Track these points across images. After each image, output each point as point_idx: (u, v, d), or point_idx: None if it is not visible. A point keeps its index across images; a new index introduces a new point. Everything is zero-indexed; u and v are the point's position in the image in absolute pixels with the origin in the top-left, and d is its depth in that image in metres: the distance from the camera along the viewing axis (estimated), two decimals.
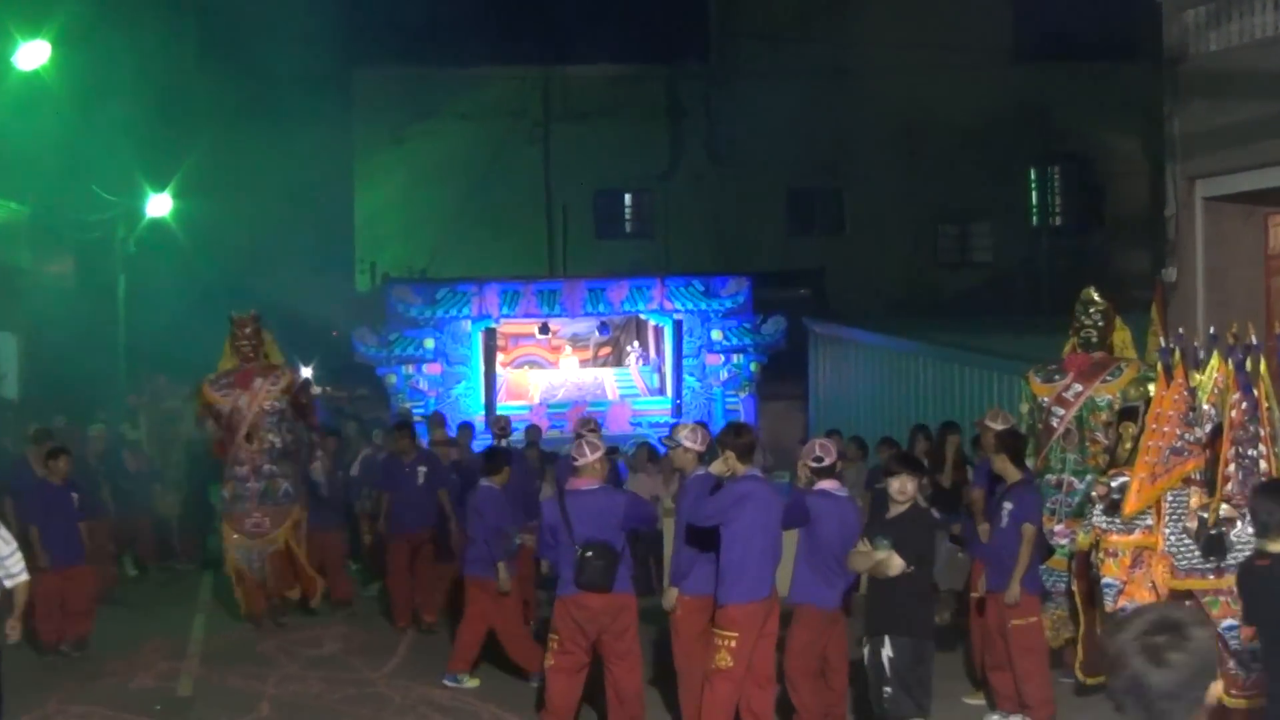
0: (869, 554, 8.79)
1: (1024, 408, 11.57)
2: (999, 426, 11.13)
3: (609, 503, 9.68)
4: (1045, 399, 11.23)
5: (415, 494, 14.02)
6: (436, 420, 19.57)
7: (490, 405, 22.33)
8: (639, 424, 22.90)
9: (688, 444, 9.69)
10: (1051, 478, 11.09)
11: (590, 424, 14.41)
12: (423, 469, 14.12)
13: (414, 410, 21.64)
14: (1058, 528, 10.85)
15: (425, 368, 22.66)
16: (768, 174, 30.99)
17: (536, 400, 23.30)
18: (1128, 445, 9.59)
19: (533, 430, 18.88)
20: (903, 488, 8.87)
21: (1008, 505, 9.86)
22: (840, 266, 30.24)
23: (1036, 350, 14.41)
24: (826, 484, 9.62)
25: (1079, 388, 11.08)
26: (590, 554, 9.36)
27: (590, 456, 9.63)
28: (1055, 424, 11.11)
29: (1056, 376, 11.27)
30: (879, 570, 8.74)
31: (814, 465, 9.61)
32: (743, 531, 9.08)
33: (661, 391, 23.72)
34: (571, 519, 9.44)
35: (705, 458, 9.73)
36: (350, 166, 31.76)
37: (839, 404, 23.02)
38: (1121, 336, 11.40)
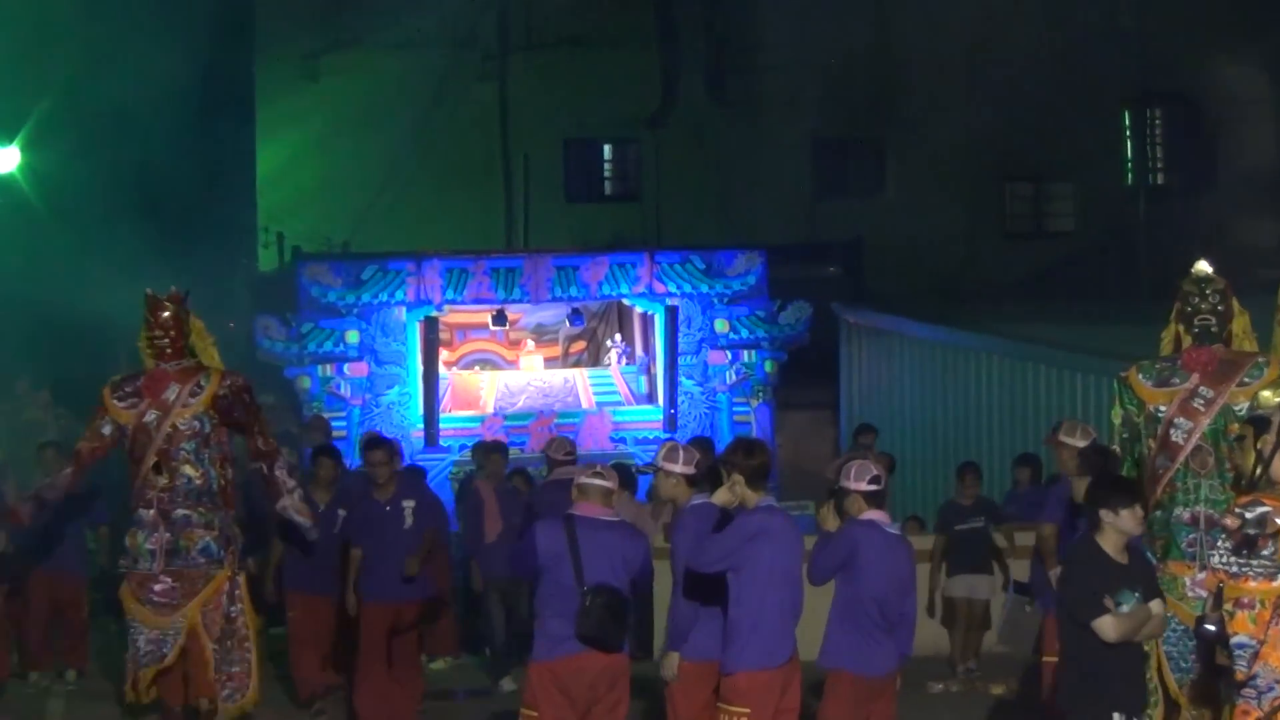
0: (1145, 612, 8.66)
1: (1116, 417, 11.31)
2: (1081, 443, 11.04)
3: (631, 545, 9.73)
4: (1161, 408, 10.92)
5: (401, 544, 12.94)
6: (318, 425, 19.45)
7: (431, 416, 22.29)
8: (622, 440, 22.87)
9: (669, 467, 9.65)
10: (1183, 512, 10.81)
11: (566, 446, 14.32)
12: (409, 504, 13.12)
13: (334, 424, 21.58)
14: (1199, 575, 10.68)
15: (348, 368, 22.60)
16: (788, 118, 30.94)
17: (490, 410, 23.27)
18: (1251, 462, 9.50)
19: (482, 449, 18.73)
20: (1141, 521, 8.91)
21: None
22: (881, 237, 30.18)
23: (1132, 344, 14.36)
24: (875, 514, 9.60)
25: (1209, 393, 10.78)
26: (602, 600, 9.35)
27: (608, 480, 9.72)
28: (1180, 441, 10.78)
29: (1175, 379, 10.89)
30: (1146, 632, 8.74)
31: (869, 489, 9.58)
32: (756, 579, 9.04)
33: (651, 399, 23.67)
34: (583, 555, 9.41)
35: (711, 483, 9.67)
36: (250, 110, 31.67)
37: (879, 414, 22.98)
38: (1241, 323, 11.23)
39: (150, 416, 12.38)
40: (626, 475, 16.77)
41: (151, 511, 12.36)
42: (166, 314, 12.55)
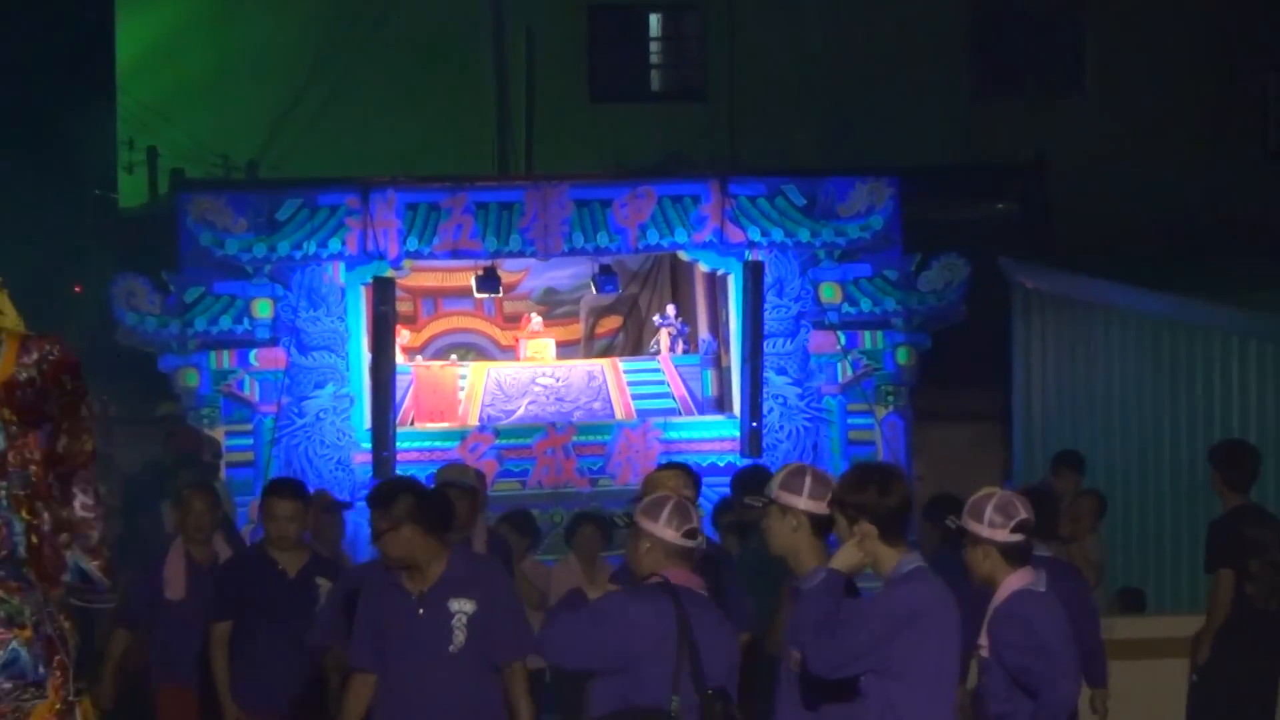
0: None
1: None
2: None
3: (734, 639, 9.97)
4: None
5: (441, 677, 11.07)
6: (186, 435, 19.46)
7: (383, 431, 22.21)
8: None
9: (791, 499, 9.46)
10: None
11: (470, 474, 13.91)
12: (463, 608, 11.04)
13: (226, 443, 21.63)
14: None
15: (256, 356, 22.70)
16: None
17: (474, 421, 23.32)
18: None
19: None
20: None
21: None
22: (1076, 159, 30.20)
23: None
24: (1021, 578, 9.65)
25: None
26: (720, 710, 9.45)
27: (701, 537, 9.81)
28: None
29: None
30: None
31: (1012, 541, 9.61)
32: (917, 684, 9.03)
33: (721, 405, 23.76)
34: (700, 644, 9.49)
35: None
36: None
37: (1072, 427, 22.98)
38: None
39: None
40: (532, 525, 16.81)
41: None
42: None
